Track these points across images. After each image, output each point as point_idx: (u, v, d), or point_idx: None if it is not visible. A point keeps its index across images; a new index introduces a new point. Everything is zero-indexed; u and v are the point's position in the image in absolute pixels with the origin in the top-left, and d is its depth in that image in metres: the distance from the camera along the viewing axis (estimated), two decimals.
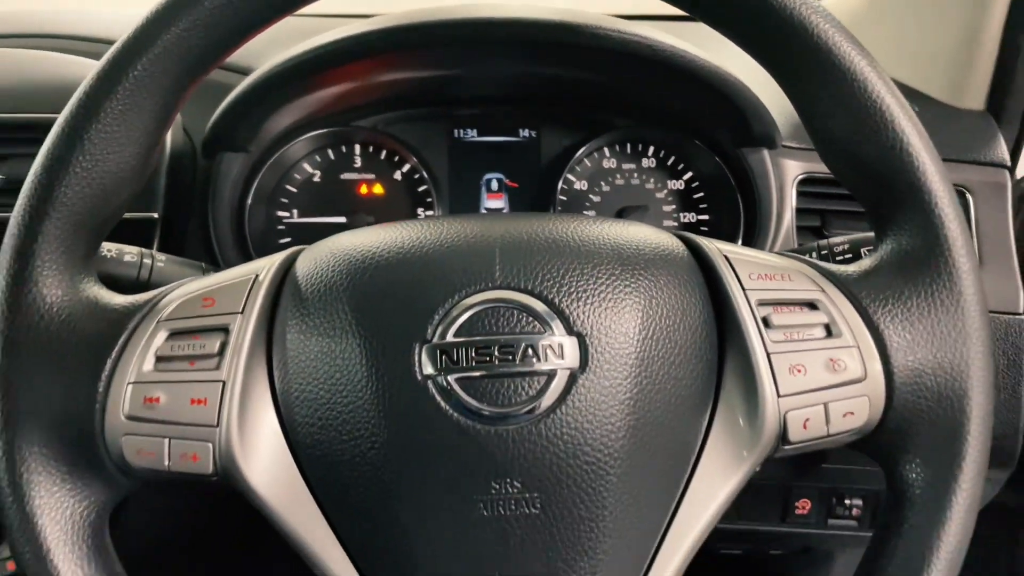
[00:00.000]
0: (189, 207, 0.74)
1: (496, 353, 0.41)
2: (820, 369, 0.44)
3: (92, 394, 0.43)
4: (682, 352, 0.44)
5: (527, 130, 0.84)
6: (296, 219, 0.81)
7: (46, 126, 0.69)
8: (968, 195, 0.75)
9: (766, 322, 0.45)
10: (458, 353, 0.41)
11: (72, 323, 0.43)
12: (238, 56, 0.49)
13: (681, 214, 0.83)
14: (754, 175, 0.75)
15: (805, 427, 0.44)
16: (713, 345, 0.46)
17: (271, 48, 0.72)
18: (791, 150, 0.77)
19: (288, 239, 0.80)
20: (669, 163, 0.83)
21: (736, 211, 0.79)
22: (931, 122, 0.78)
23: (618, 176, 0.83)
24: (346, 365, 0.42)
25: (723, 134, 0.77)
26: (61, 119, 0.44)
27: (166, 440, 0.42)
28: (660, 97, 0.79)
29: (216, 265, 0.71)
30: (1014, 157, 0.81)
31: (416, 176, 0.82)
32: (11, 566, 0.66)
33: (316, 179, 0.81)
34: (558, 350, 0.42)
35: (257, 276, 0.46)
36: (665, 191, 0.83)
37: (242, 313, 0.44)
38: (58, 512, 0.42)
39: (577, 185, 0.83)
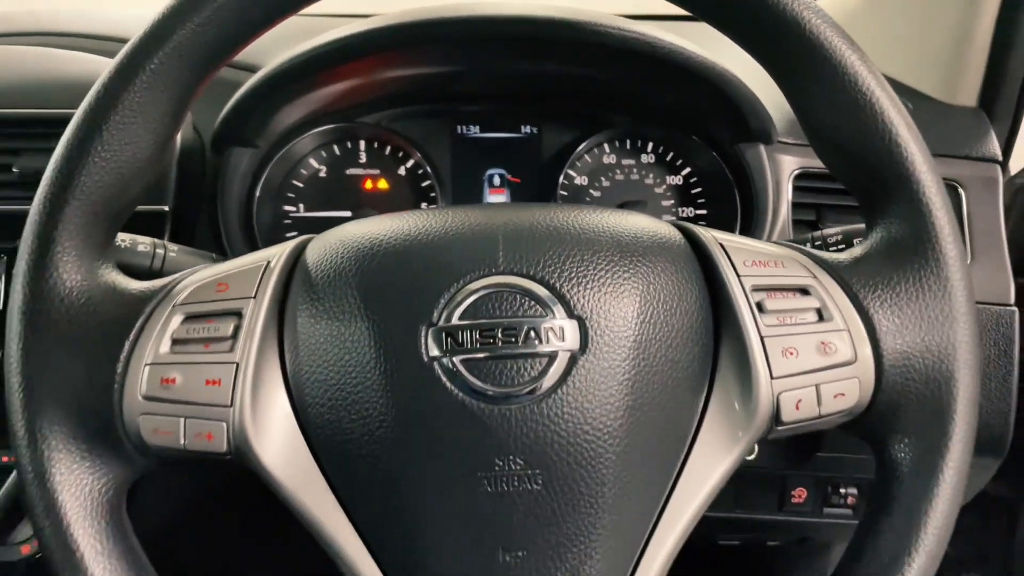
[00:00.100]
0: (198, 200, 0.76)
1: (499, 335, 0.43)
2: (812, 352, 0.46)
3: (111, 375, 0.44)
4: (679, 335, 0.46)
5: (529, 126, 0.85)
6: (302, 213, 0.82)
7: (57, 121, 0.71)
8: (960, 189, 0.76)
9: (760, 307, 0.46)
10: (463, 335, 0.43)
11: (91, 307, 0.45)
12: (245, 54, 0.50)
13: (679, 209, 0.84)
14: (751, 170, 0.77)
15: (797, 408, 0.45)
16: (709, 329, 0.47)
17: (277, 46, 0.74)
18: (787, 146, 0.78)
19: (294, 233, 0.82)
20: (668, 159, 0.84)
21: (733, 205, 0.80)
22: (925, 118, 0.80)
23: (618, 171, 0.85)
24: (355, 347, 0.44)
25: (720, 130, 0.79)
26: (80, 110, 0.46)
27: (182, 419, 0.44)
28: (659, 94, 0.81)
29: (225, 256, 0.72)
30: (1006, 152, 0.82)
31: (420, 171, 0.84)
32: (25, 549, 0.68)
33: (322, 174, 0.83)
34: (559, 333, 0.43)
35: (269, 263, 0.48)
36: (664, 186, 0.85)
37: (255, 298, 0.46)
38: (77, 489, 0.44)
39: (578, 180, 0.85)
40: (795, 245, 0.51)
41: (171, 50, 0.45)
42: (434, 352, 0.43)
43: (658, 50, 0.71)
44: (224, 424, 0.44)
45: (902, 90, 0.85)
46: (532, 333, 0.43)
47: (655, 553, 0.45)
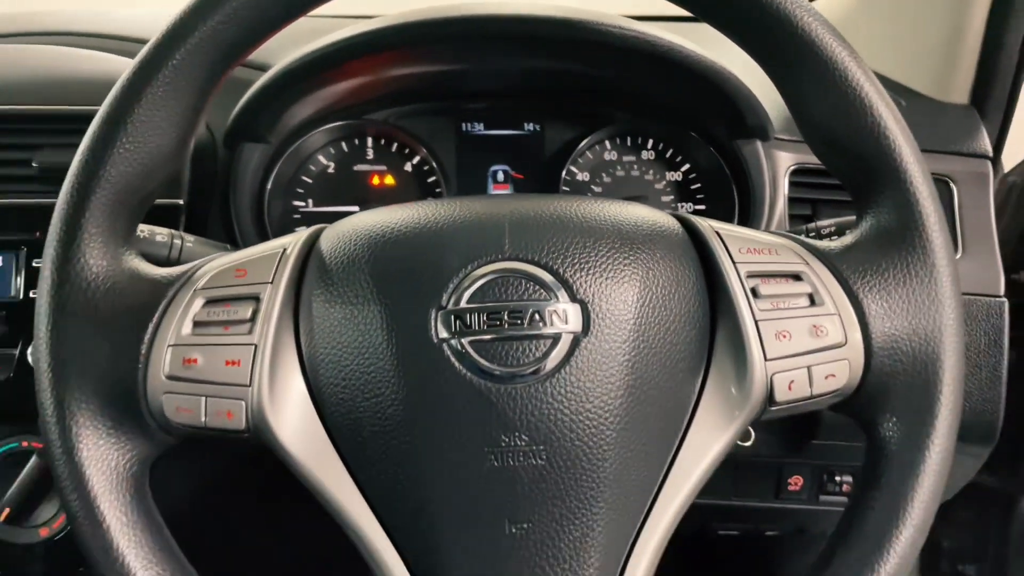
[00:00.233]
0: (210, 195, 0.78)
1: (506, 318, 0.45)
2: (804, 335, 0.48)
3: (135, 356, 0.46)
4: (677, 319, 0.48)
5: (532, 124, 0.87)
6: (311, 208, 0.85)
7: (75, 117, 0.74)
8: (952, 185, 0.78)
9: (754, 292, 0.48)
10: (471, 318, 0.45)
11: (116, 291, 0.47)
12: (255, 54, 0.52)
13: (679, 204, 0.87)
14: (748, 166, 0.79)
15: (790, 388, 0.48)
16: (706, 313, 0.49)
17: (287, 46, 0.76)
18: (784, 142, 0.80)
19: (303, 227, 0.84)
20: (667, 155, 0.87)
21: (731, 200, 0.82)
22: (918, 115, 0.83)
23: (619, 168, 0.87)
24: (367, 330, 0.46)
25: (719, 127, 0.81)
26: (106, 104, 0.48)
27: (203, 398, 0.46)
28: (658, 91, 0.83)
29: (238, 248, 0.75)
30: (997, 149, 0.85)
31: (426, 168, 0.86)
32: (43, 532, 0.70)
33: (331, 170, 0.85)
34: (563, 316, 0.45)
35: (285, 250, 0.50)
36: (664, 182, 0.87)
37: (272, 283, 0.48)
38: (103, 463, 0.46)
39: (579, 176, 0.87)
40: (788, 234, 0.53)
41: (192, 47, 0.47)
42: (443, 334, 0.45)
43: (657, 48, 0.73)
44: (243, 403, 0.46)
45: (896, 88, 0.87)
46: (537, 316, 0.45)
47: (654, 526, 0.47)
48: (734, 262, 0.49)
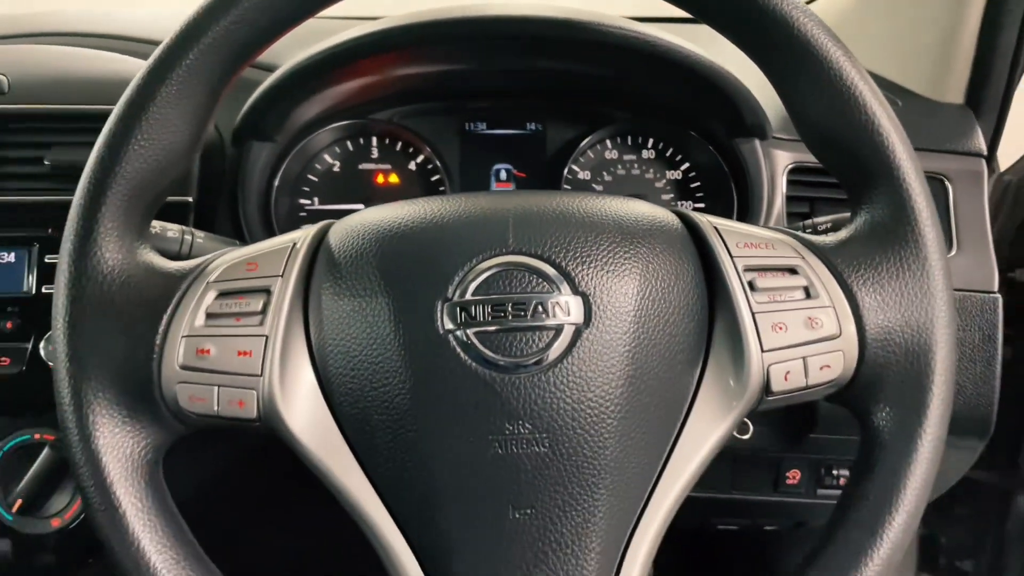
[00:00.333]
0: (218, 192, 0.79)
1: (510, 310, 0.46)
2: (799, 327, 0.49)
3: (150, 346, 0.48)
4: (676, 311, 0.49)
5: (534, 123, 0.89)
6: (317, 206, 0.86)
7: (86, 116, 0.75)
8: (947, 183, 0.80)
9: (751, 286, 0.50)
10: (476, 310, 0.46)
11: (132, 284, 0.49)
12: (263, 54, 0.54)
13: (679, 202, 0.88)
14: (747, 164, 0.80)
15: (786, 379, 0.49)
16: (704, 306, 0.50)
17: (293, 47, 0.77)
18: (782, 141, 0.81)
19: (309, 224, 0.85)
20: (667, 154, 0.88)
21: (730, 199, 0.84)
22: (914, 115, 0.84)
23: (619, 167, 0.88)
24: (375, 322, 0.47)
25: (717, 126, 0.82)
26: (121, 102, 0.49)
27: (216, 388, 0.47)
28: (659, 91, 0.84)
29: (246, 244, 0.76)
30: (991, 148, 0.86)
31: (430, 166, 0.88)
32: (55, 523, 0.72)
33: (336, 169, 0.86)
34: (565, 308, 0.47)
35: (295, 244, 0.51)
36: (664, 181, 0.88)
37: (282, 276, 0.49)
38: (119, 451, 0.47)
39: (581, 175, 0.88)
40: (784, 229, 0.54)
41: (205, 46, 0.49)
42: (449, 325, 0.46)
43: (657, 49, 0.74)
44: (254, 392, 0.47)
45: (892, 88, 0.89)
46: (540, 308, 0.46)
47: (654, 512, 0.48)
48: (732, 256, 0.51)
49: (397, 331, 0.47)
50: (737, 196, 0.83)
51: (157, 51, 0.49)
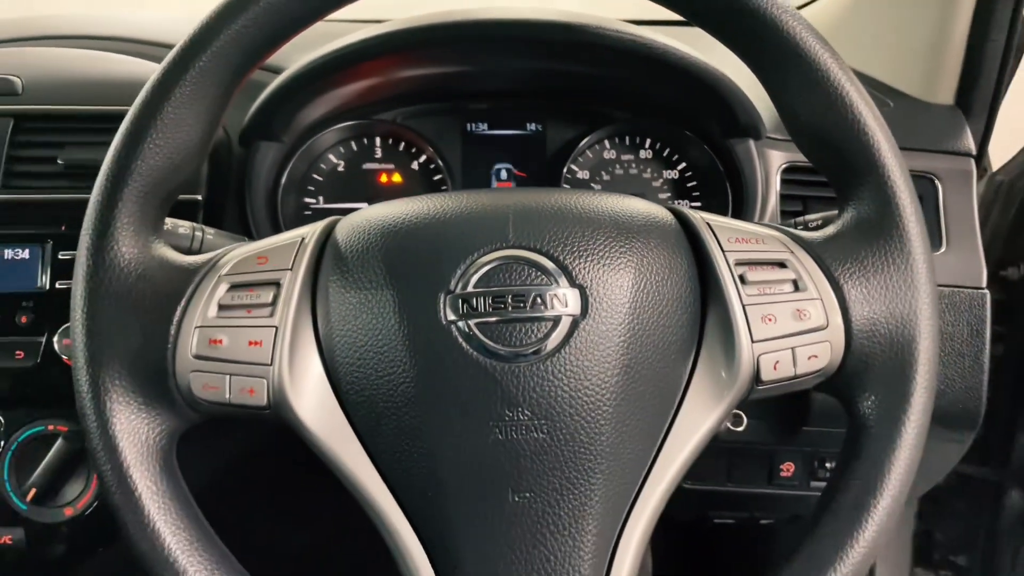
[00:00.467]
0: (225, 191, 0.81)
1: (510, 301, 0.48)
2: (788, 318, 0.51)
3: (165, 336, 0.50)
4: (670, 303, 0.51)
5: (534, 124, 0.91)
6: (322, 205, 0.88)
7: (98, 116, 0.77)
8: (937, 182, 0.81)
9: (742, 279, 0.52)
10: (477, 301, 0.48)
11: (147, 277, 0.51)
12: (271, 57, 0.56)
13: (675, 201, 0.90)
14: (741, 164, 0.82)
15: (775, 368, 0.51)
16: (697, 298, 0.52)
17: (300, 50, 0.79)
18: (776, 141, 0.83)
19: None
20: (665, 154, 0.90)
21: (725, 197, 0.86)
22: (905, 115, 0.86)
23: (617, 166, 0.90)
24: (380, 313, 0.49)
25: (713, 126, 0.84)
26: (137, 103, 0.51)
27: (227, 376, 0.49)
28: (655, 92, 0.86)
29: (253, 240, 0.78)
30: (981, 148, 0.88)
31: (432, 166, 0.89)
32: (68, 512, 0.73)
33: (341, 168, 0.88)
34: (563, 299, 0.49)
35: (303, 239, 0.53)
36: (661, 180, 0.90)
37: (291, 270, 0.51)
38: (135, 436, 0.49)
39: (580, 175, 0.90)
40: (774, 225, 0.56)
41: (217, 49, 0.51)
42: (451, 316, 0.48)
43: (653, 51, 0.76)
44: (265, 381, 0.49)
45: (884, 89, 0.90)
46: (539, 300, 0.48)
47: (648, 497, 0.50)
48: (723, 251, 0.53)
49: (401, 322, 0.49)
50: (732, 195, 0.85)
51: (171, 53, 0.51)
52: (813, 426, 0.82)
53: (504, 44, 0.83)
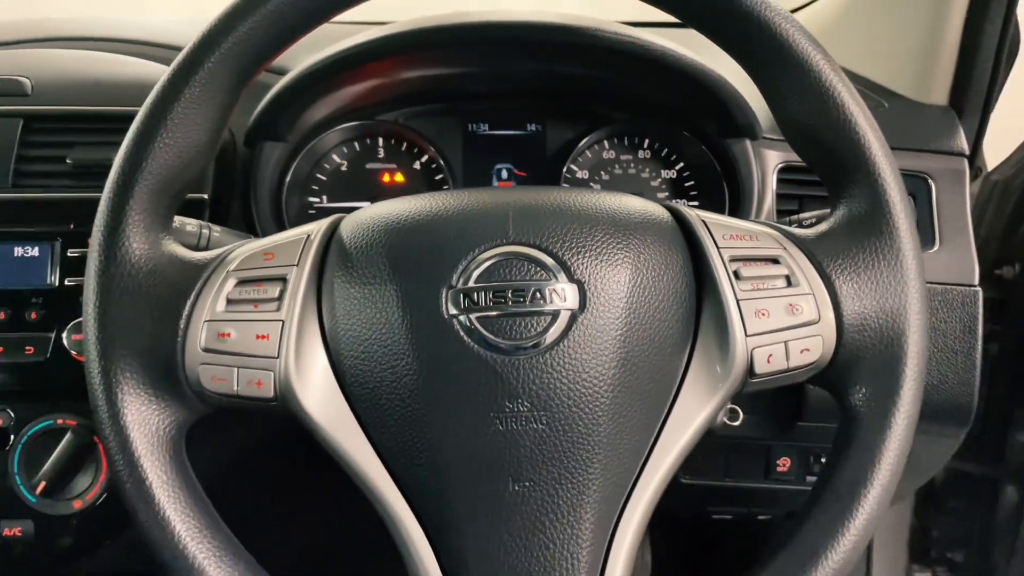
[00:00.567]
0: (231, 190, 0.83)
1: (510, 296, 0.50)
2: (781, 313, 0.52)
3: (174, 330, 0.51)
4: (666, 298, 0.52)
5: (534, 124, 0.92)
6: (325, 204, 0.89)
7: (106, 117, 0.79)
8: (930, 181, 0.83)
9: (736, 275, 0.53)
10: (478, 296, 0.50)
11: (157, 272, 0.52)
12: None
13: (674, 200, 0.91)
14: (738, 163, 0.83)
15: (768, 362, 0.52)
16: (692, 293, 0.54)
17: (304, 52, 0.81)
18: (772, 141, 0.84)
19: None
20: (663, 154, 0.91)
21: (722, 197, 0.87)
22: (899, 116, 0.87)
23: (616, 166, 0.91)
24: (384, 307, 0.51)
25: (710, 126, 0.86)
26: (147, 103, 0.53)
27: (235, 369, 0.51)
28: (653, 93, 0.87)
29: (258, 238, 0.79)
30: (975, 147, 0.89)
31: (433, 166, 0.91)
32: (77, 504, 0.75)
33: (344, 168, 0.90)
34: (561, 294, 0.50)
35: (309, 236, 0.55)
36: (659, 179, 0.91)
37: (297, 265, 0.53)
38: (146, 427, 0.50)
39: (579, 174, 0.91)
40: (767, 222, 0.58)
41: (225, 51, 0.52)
42: (453, 311, 0.50)
43: (651, 53, 0.78)
44: (272, 373, 0.51)
45: (878, 90, 0.92)
46: (538, 294, 0.50)
47: (644, 487, 0.51)
48: (718, 247, 0.54)
49: (405, 316, 0.50)
50: (729, 194, 0.86)
51: (181, 55, 0.53)
52: (808, 421, 0.83)
53: (505, 46, 0.84)
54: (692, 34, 0.59)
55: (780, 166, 0.84)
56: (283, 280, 0.52)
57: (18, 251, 0.75)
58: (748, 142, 0.83)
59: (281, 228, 0.83)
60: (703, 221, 0.56)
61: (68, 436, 0.73)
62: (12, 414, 0.74)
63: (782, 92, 0.55)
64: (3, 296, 0.74)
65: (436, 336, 0.50)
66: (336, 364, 0.52)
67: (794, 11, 1.10)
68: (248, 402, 0.52)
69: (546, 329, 0.49)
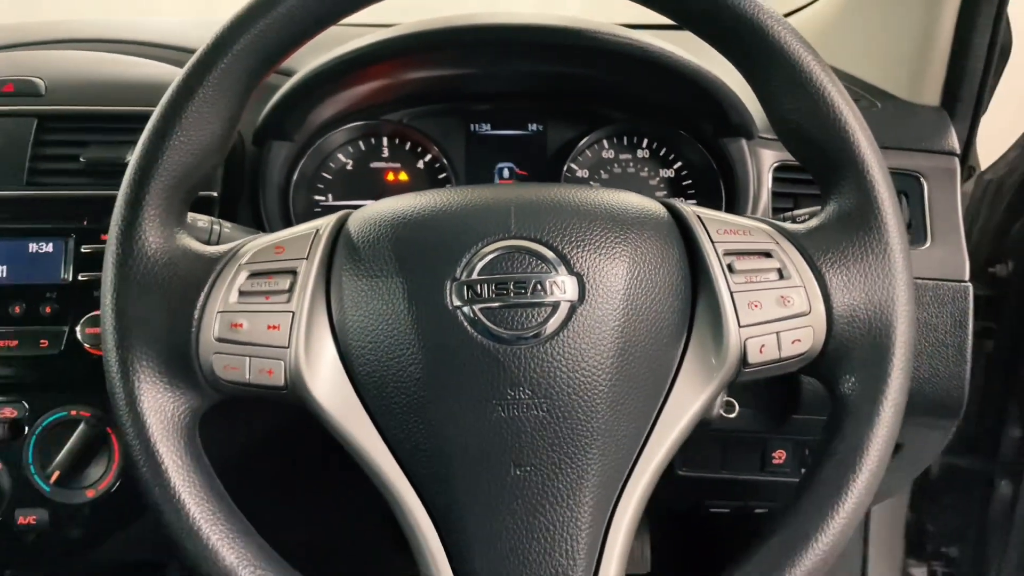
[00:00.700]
0: (239, 188, 0.85)
1: (512, 288, 0.52)
2: (773, 304, 0.54)
3: (189, 320, 0.53)
4: (662, 291, 0.54)
5: (535, 124, 0.94)
6: (331, 202, 0.91)
7: (119, 116, 0.81)
8: (922, 179, 0.84)
9: (730, 268, 0.55)
10: (481, 288, 0.52)
11: (172, 265, 0.54)
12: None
13: (672, 200, 0.93)
14: (734, 162, 0.85)
15: (761, 352, 0.54)
16: (688, 286, 0.56)
17: (311, 53, 0.83)
18: (768, 141, 0.86)
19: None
20: (661, 153, 0.93)
21: (719, 195, 0.89)
22: (892, 116, 0.89)
23: (616, 165, 0.93)
24: (390, 299, 0.53)
25: (707, 126, 0.87)
26: (162, 103, 0.55)
27: (247, 358, 0.53)
28: (651, 93, 0.89)
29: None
30: (967, 147, 0.91)
31: (437, 165, 0.93)
32: (90, 493, 0.77)
33: (349, 167, 0.92)
34: (561, 286, 0.52)
35: (318, 230, 0.57)
36: (657, 178, 0.93)
37: (307, 259, 0.55)
38: (161, 413, 0.52)
39: (579, 173, 0.93)
40: (761, 218, 0.60)
41: (237, 52, 0.54)
42: (457, 302, 0.52)
43: (649, 54, 0.80)
44: (282, 362, 0.53)
45: (872, 91, 0.93)
46: (539, 286, 0.52)
47: (641, 473, 0.53)
48: (713, 242, 0.56)
49: (410, 307, 0.52)
50: (725, 192, 0.88)
51: (194, 56, 0.55)
52: (803, 414, 0.85)
53: (507, 48, 0.86)
54: (689, 36, 0.61)
55: (775, 165, 0.86)
56: (293, 273, 0.54)
57: (33, 247, 0.77)
58: (744, 142, 0.85)
59: (288, 225, 0.85)
60: (698, 216, 0.57)
61: (81, 427, 0.75)
62: (27, 405, 0.76)
63: (774, 92, 0.57)
64: (18, 291, 0.77)
65: (441, 326, 0.52)
66: (344, 353, 0.54)
67: (792, 13, 1.12)
68: (260, 390, 0.54)
69: (547, 320, 0.51)
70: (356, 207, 0.60)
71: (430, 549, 0.52)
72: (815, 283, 0.55)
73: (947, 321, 0.80)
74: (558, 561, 0.51)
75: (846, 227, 0.56)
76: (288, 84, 0.81)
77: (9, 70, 0.84)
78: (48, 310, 0.76)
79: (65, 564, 0.90)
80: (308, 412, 0.54)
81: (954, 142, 0.86)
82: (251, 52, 0.55)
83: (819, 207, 0.68)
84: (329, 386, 0.53)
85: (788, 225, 0.58)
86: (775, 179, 0.86)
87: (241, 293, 0.54)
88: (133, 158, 0.54)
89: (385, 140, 0.92)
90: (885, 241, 0.55)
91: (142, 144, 0.54)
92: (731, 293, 0.54)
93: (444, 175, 0.93)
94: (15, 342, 0.75)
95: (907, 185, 0.84)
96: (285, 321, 0.53)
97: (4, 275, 0.77)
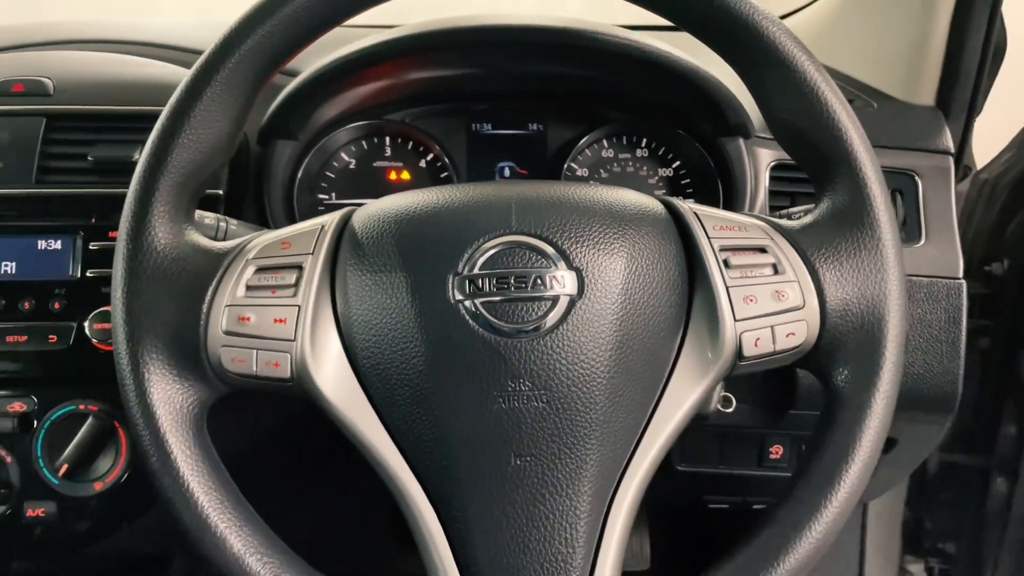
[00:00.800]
0: (244, 186, 0.86)
1: (512, 282, 0.53)
2: (768, 299, 0.55)
3: (197, 314, 0.54)
4: (659, 285, 0.55)
5: (535, 124, 0.95)
6: (334, 200, 0.93)
7: (126, 116, 0.82)
8: (917, 178, 0.86)
9: (726, 263, 0.56)
10: (482, 282, 0.53)
11: (181, 260, 0.55)
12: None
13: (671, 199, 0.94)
14: (732, 161, 0.86)
15: (756, 345, 0.55)
16: (684, 281, 0.57)
17: (315, 54, 0.84)
18: (765, 140, 0.87)
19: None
20: (660, 153, 0.94)
21: (717, 193, 0.90)
22: (887, 115, 0.91)
23: (615, 164, 0.94)
24: (394, 293, 0.54)
25: (705, 126, 0.89)
26: (171, 102, 0.56)
27: (255, 351, 0.54)
28: (650, 93, 0.90)
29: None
30: (961, 146, 0.92)
31: (438, 164, 0.94)
32: (98, 486, 0.78)
33: (352, 166, 0.93)
34: (561, 281, 0.53)
35: (323, 226, 0.58)
36: (656, 177, 0.94)
37: (312, 254, 0.56)
38: (170, 405, 0.54)
39: (579, 172, 0.94)
40: (756, 215, 0.61)
41: (244, 53, 0.55)
42: (458, 296, 0.53)
43: (648, 54, 0.81)
44: (288, 355, 0.54)
45: (868, 91, 0.95)
46: (539, 281, 0.53)
47: (639, 463, 0.54)
48: (709, 237, 0.57)
49: (413, 301, 0.53)
50: (723, 191, 0.89)
51: (202, 57, 0.56)
52: (799, 409, 0.86)
53: (508, 48, 0.87)
54: (687, 37, 0.62)
55: (773, 164, 0.87)
56: (299, 268, 0.56)
57: (42, 244, 0.79)
58: (741, 141, 0.86)
59: (292, 223, 0.86)
60: (695, 213, 0.59)
61: (90, 420, 0.77)
62: (36, 399, 0.78)
63: (769, 92, 0.58)
64: (27, 287, 0.78)
65: (443, 320, 0.53)
66: (349, 346, 0.55)
67: (789, 15, 1.14)
68: (266, 383, 0.55)
69: (546, 313, 0.53)
70: (359, 205, 0.61)
71: (433, 538, 0.53)
72: (809, 278, 0.56)
73: (941, 317, 0.82)
74: (557, 548, 0.52)
75: (839, 223, 0.57)
76: (292, 84, 0.82)
77: (18, 70, 0.86)
78: (57, 306, 0.78)
79: (71, 557, 0.91)
80: (314, 405, 0.55)
81: (948, 141, 0.87)
82: (258, 52, 0.56)
83: (813, 204, 0.69)
84: (334, 378, 0.55)
85: (783, 222, 0.59)
86: (772, 178, 0.87)
87: (248, 287, 0.55)
88: (143, 155, 0.56)
89: (388, 139, 0.94)
90: (877, 237, 0.56)
91: (152, 142, 0.56)
92: (727, 288, 0.55)
93: (446, 174, 0.94)
94: (24, 337, 0.77)
95: (902, 183, 0.85)
96: (291, 315, 0.54)
97: (14, 271, 0.78)
